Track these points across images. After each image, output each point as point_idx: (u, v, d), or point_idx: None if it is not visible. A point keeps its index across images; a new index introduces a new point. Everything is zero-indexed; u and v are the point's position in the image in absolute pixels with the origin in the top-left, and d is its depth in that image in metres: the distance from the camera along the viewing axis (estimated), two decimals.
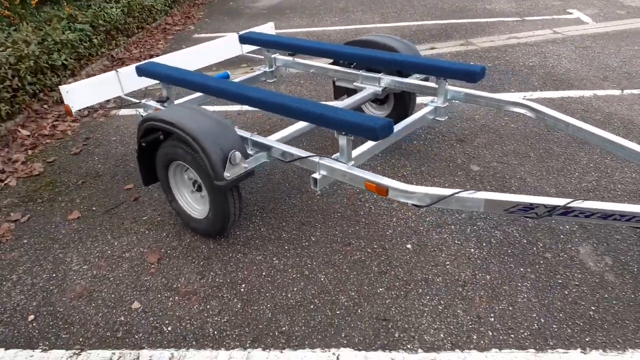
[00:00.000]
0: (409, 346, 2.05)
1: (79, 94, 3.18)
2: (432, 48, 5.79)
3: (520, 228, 2.67)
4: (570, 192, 2.96)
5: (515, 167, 3.25)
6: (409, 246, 2.62)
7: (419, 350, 2.03)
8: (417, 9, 7.69)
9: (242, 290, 2.40)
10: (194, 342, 2.13)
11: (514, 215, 2.02)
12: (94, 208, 3.14)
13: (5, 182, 3.49)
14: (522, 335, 2.06)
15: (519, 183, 3.09)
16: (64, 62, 5.02)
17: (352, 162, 2.43)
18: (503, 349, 2.01)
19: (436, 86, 3.03)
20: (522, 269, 2.41)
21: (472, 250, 2.56)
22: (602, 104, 4.05)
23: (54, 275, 2.58)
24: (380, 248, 2.61)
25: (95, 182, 3.44)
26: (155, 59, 3.47)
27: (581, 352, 1.98)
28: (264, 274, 2.49)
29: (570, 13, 6.91)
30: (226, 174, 2.35)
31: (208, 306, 2.32)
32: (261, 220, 2.89)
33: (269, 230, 2.80)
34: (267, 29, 4.30)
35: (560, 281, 2.33)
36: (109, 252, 2.73)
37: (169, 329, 2.21)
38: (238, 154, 2.36)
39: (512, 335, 2.07)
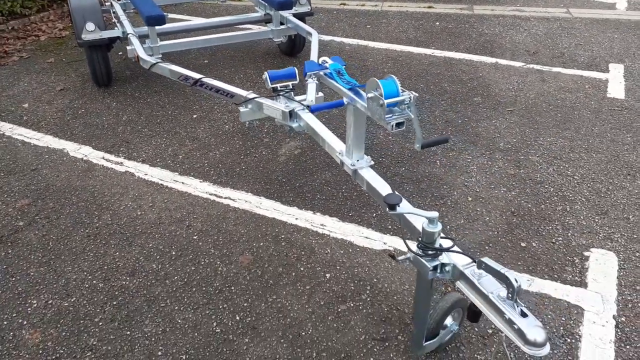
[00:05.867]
0: (119, 154, 3.26)
1: None
2: (430, 7, 6.25)
3: (272, 129, 3.58)
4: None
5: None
6: (195, 116, 3.73)
7: (121, 156, 3.23)
8: None
9: (79, 112, 3.80)
10: (27, 124, 3.62)
11: (183, 83, 3.03)
12: (64, 59, 4.79)
13: (39, 37, 5.33)
14: (179, 166, 3.13)
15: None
16: None
17: (157, 44, 3.62)
18: (156, 166, 3.11)
19: (271, 13, 3.99)
20: (245, 143, 3.38)
21: (227, 127, 3.58)
22: (486, 69, 4.41)
23: (9, 84, 4.27)
24: (177, 114, 3.77)
25: None
26: None
27: (199, 180, 2.99)
28: (98, 108, 3.85)
29: None
30: (83, 36, 3.71)
31: (53, 115, 3.77)
32: (138, 85, 4.22)
33: (135, 92, 4.12)
34: None
35: (248, 152, 3.27)
36: (44, 80, 4.34)
37: (25, 118, 3.73)
38: (90, 24, 3.69)
39: (169, 162, 3.14)
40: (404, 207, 1.64)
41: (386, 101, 1.69)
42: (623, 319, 2.07)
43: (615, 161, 3.11)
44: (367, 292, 2.22)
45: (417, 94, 1.74)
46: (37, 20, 5.76)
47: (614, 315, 2.08)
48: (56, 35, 5.40)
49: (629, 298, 2.16)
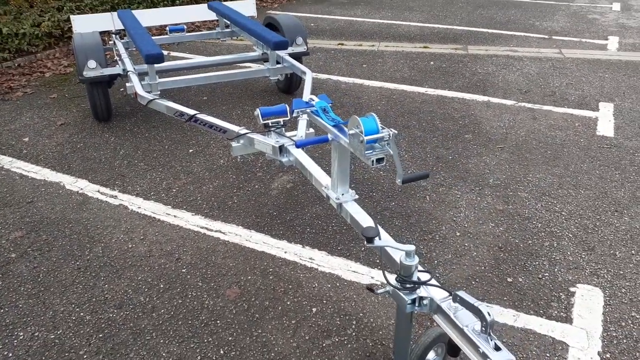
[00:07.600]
0: (114, 188, 3.32)
1: (83, 22, 4.93)
2: (425, 47, 6.42)
3: (265, 164, 3.64)
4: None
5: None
6: (191, 150, 3.80)
7: (116, 189, 3.29)
8: (469, 17, 8.08)
9: (78, 146, 3.88)
10: (26, 157, 3.69)
11: (179, 118, 3.12)
12: (66, 95, 4.91)
13: (44, 73, 5.48)
14: (172, 200, 3.17)
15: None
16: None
17: (156, 82, 3.73)
18: (149, 200, 3.16)
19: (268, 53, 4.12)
20: (238, 177, 3.44)
21: (222, 161, 3.65)
22: (478, 107, 4.50)
23: (11, 118, 4.37)
24: (173, 149, 3.85)
25: None
26: (137, 11, 5.08)
27: (191, 213, 3.03)
28: (96, 143, 3.93)
29: (607, 39, 6.72)
30: (84, 73, 3.83)
31: (52, 148, 3.85)
32: (137, 120, 4.32)
33: (134, 127, 4.21)
34: (248, 4, 5.62)
35: (241, 186, 3.32)
36: (45, 115, 4.45)
37: (24, 152, 3.81)
38: (91, 62, 3.81)
39: (162, 195, 3.19)
40: (383, 240, 1.68)
41: (366, 138, 1.74)
42: (608, 355, 2.06)
43: (603, 198, 3.14)
44: (353, 326, 2.22)
45: (396, 131, 1.80)
46: (43, 58, 5.93)
47: (598, 352, 2.07)
48: (61, 72, 5.55)
49: (614, 334, 2.16)
